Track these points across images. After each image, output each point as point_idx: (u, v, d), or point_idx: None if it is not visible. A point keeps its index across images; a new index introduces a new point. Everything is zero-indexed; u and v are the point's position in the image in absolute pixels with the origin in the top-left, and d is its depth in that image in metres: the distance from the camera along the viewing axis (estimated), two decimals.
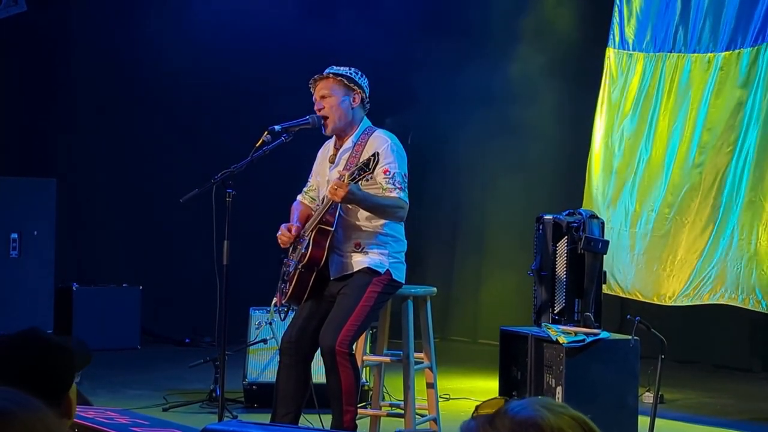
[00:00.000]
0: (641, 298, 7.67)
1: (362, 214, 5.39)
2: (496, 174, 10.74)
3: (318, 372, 5.81)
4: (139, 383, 8.13)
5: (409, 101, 10.74)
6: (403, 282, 5.55)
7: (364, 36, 10.38)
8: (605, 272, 6.41)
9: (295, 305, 5.52)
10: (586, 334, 5.97)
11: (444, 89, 10.73)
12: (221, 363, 5.79)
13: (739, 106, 7.25)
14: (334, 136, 5.61)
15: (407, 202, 5.38)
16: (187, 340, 10.34)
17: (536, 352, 6.07)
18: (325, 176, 5.57)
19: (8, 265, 9.34)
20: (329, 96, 5.47)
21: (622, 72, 8.06)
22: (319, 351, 5.35)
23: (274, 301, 5.62)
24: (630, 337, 5.96)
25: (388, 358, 5.91)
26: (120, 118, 10.55)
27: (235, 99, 10.61)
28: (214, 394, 7.03)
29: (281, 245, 5.53)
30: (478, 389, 7.85)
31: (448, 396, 7.57)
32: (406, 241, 5.56)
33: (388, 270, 5.40)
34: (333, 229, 5.35)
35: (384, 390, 6.33)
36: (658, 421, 5.84)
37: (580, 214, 6.36)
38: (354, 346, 5.33)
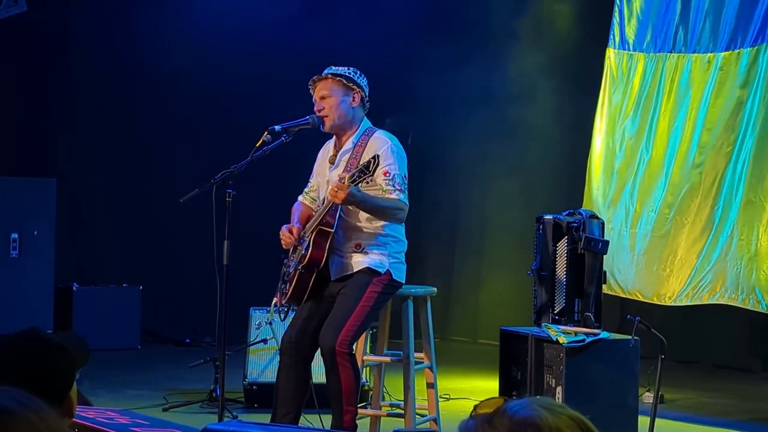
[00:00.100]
0: (641, 299, 7.67)
1: (363, 215, 5.40)
2: (497, 174, 10.75)
3: (318, 371, 5.82)
4: (139, 383, 8.13)
5: (409, 101, 10.75)
6: (403, 282, 5.55)
7: (364, 36, 10.38)
8: (605, 272, 6.41)
9: (295, 306, 5.53)
10: (586, 334, 5.97)
11: (444, 89, 10.73)
12: (221, 363, 5.79)
13: (739, 106, 7.25)
14: (334, 137, 5.61)
15: (407, 203, 5.38)
16: (187, 340, 10.34)
17: (536, 352, 6.07)
18: (325, 177, 5.57)
19: (8, 265, 9.35)
20: (329, 96, 5.47)
21: (623, 72, 8.06)
22: (319, 351, 5.36)
23: (274, 302, 5.62)
24: (630, 337, 5.97)
25: (388, 358, 5.91)
26: (120, 118, 10.55)
27: (235, 99, 10.61)
28: (214, 394, 7.03)
29: (284, 246, 5.53)
30: (478, 389, 7.85)
31: (448, 396, 7.57)
32: (406, 241, 5.56)
33: (388, 270, 5.41)
34: (333, 230, 5.35)
35: (384, 390, 6.33)
36: (658, 421, 5.84)
37: (580, 214, 6.36)
38: (354, 346, 5.34)
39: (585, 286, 6.24)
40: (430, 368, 5.91)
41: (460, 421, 1.81)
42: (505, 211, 10.65)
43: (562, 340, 5.89)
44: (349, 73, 5.53)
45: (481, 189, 11.05)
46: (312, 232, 5.37)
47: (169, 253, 10.48)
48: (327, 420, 5.64)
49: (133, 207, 10.53)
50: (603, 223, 6.40)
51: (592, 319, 6.20)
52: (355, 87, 5.49)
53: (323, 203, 5.43)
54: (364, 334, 5.78)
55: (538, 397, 1.91)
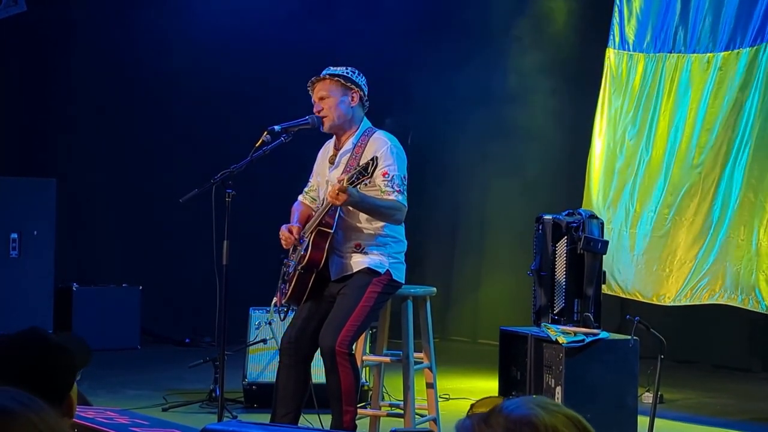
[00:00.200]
0: (641, 299, 7.68)
1: (362, 215, 5.40)
2: (496, 174, 10.75)
3: (317, 368, 5.81)
4: (139, 383, 8.14)
5: (409, 102, 10.75)
6: (403, 282, 5.56)
7: (364, 36, 10.39)
8: (605, 272, 6.41)
9: (294, 306, 5.53)
10: (586, 334, 5.97)
11: (444, 90, 10.74)
12: (221, 363, 5.79)
13: (738, 106, 7.25)
14: (334, 137, 5.62)
15: (405, 204, 5.38)
16: (187, 340, 10.35)
17: (536, 352, 6.07)
18: (324, 177, 5.57)
19: (8, 265, 9.35)
20: (328, 97, 5.48)
21: (623, 73, 8.06)
22: (318, 351, 5.36)
23: (274, 301, 5.63)
24: (629, 337, 5.97)
25: (387, 358, 5.91)
26: (120, 118, 10.55)
27: (235, 99, 10.62)
28: (213, 394, 7.04)
29: (284, 246, 5.53)
30: (478, 389, 7.85)
31: (447, 396, 7.58)
32: (406, 241, 5.56)
33: (388, 270, 5.41)
34: (332, 231, 5.36)
35: (384, 390, 6.33)
36: (657, 421, 5.84)
37: (580, 214, 6.37)
38: (354, 347, 5.34)
39: (584, 286, 6.24)
40: (430, 368, 5.91)
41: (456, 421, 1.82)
42: (505, 211, 10.65)
43: (562, 340, 5.89)
44: (347, 73, 5.53)
45: (481, 189, 11.06)
46: (311, 233, 5.37)
47: (169, 253, 10.48)
48: (326, 420, 5.64)
49: (133, 207, 10.54)
50: (602, 223, 6.41)
51: (592, 319, 6.20)
52: (353, 86, 5.49)
53: (323, 203, 5.43)
54: (363, 334, 5.78)
55: (534, 396, 1.91)
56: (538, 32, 10.23)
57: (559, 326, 6.10)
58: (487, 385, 7.61)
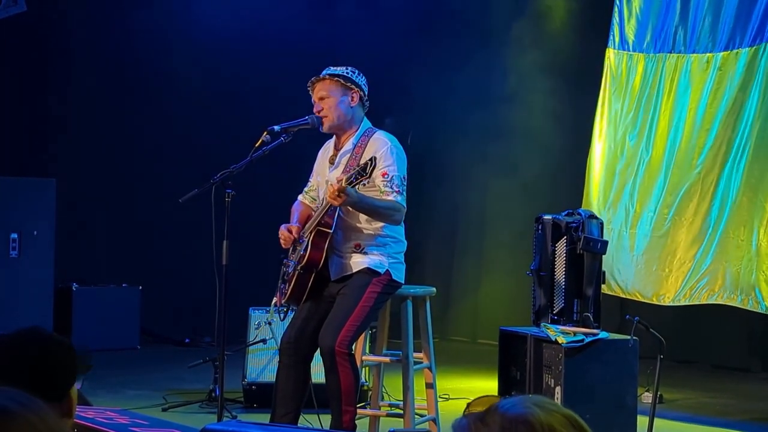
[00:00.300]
0: (641, 299, 7.68)
1: (362, 215, 5.40)
2: (496, 174, 10.75)
3: (317, 366, 5.81)
4: (139, 383, 8.14)
5: (409, 102, 10.75)
6: (403, 282, 5.56)
7: (364, 36, 10.39)
8: (604, 272, 6.41)
9: (294, 306, 5.54)
10: (585, 334, 5.97)
11: (443, 90, 10.74)
12: (220, 363, 5.80)
13: (738, 106, 7.25)
14: (334, 137, 5.62)
15: (404, 205, 5.38)
16: (186, 340, 10.35)
17: (535, 353, 6.07)
18: (324, 176, 5.58)
19: (8, 265, 9.34)
20: (327, 97, 5.48)
21: (623, 73, 8.06)
22: (318, 351, 5.36)
23: (274, 301, 5.63)
24: (629, 337, 5.97)
25: (387, 358, 5.91)
26: (119, 118, 10.55)
27: (235, 99, 10.62)
28: (213, 394, 7.04)
29: (283, 246, 5.54)
30: (478, 389, 7.85)
31: (447, 396, 7.58)
32: (405, 241, 5.56)
33: (387, 270, 5.41)
34: (331, 231, 5.36)
35: (383, 390, 6.34)
36: (657, 421, 5.84)
37: (579, 214, 6.37)
38: (353, 347, 5.34)
39: (584, 286, 6.24)
40: (429, 368, 5.91)
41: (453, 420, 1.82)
42: (504, 211, 10.65)
43: (561, 340, 5.89)
44: (347, 73, 5.53)
45: (481, 189, 11.06)
46: (311, 233, 5.38)
47: (169, 253, 10.48)
48: (326, 420, 5.64)
49: (133, 207, 10.54)
50: (602, 224, 6.41)
51: (591, 319, 6.20)
52: (353, 86, 5.49)
53: (322, 203, 5.43)
54: (363, 334, 5.79)
55: (530, 395, 1.92)
56: (538, 32, 10.23)
57: (558, 326, 6.10)
58: (487, 385, 7.61)
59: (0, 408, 1.65)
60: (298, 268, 5.35)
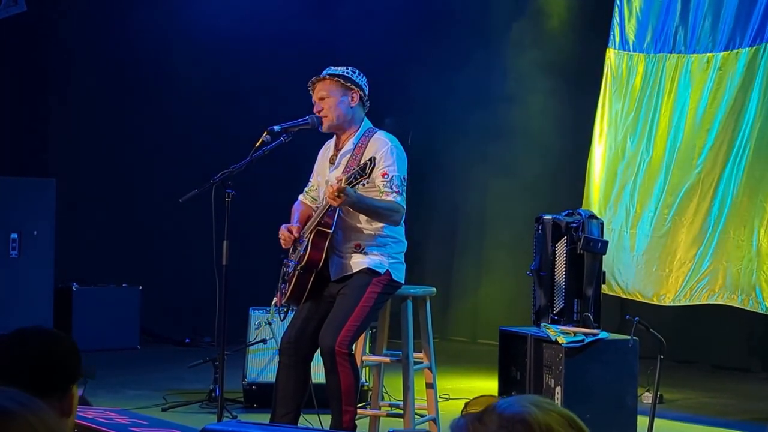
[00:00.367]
0: (642, 299, 7.67)
1: (362, 216, 5.41)
2: (496, 174, 10.75)
3: (317, 366, 5.82)
4: (139, 383, 8.14)
5: (409, 102, 10.75)
6: (403, 282, 5.56)
7: (364, 36, 10.39)
8: (604, 272, 6.41)
9: (294, 306, 5.54)
10: (585, 334, 5.97)
11: (444, 90, 10.74)
12: (220, 363, 5.80)
13: (738, 106, 7.25)
14: (334, 136, 5.62)
15: (403, 206, 5.38)
16: (186, 340, 10.35)
17: (535, 353, 6.07)
18: (325, 176, 5.58)
19: (8, 265, 9.35)
20: (327, 97, 5.48)
21: (623, 73, 8.05)
22: (318, 351, 5.36)
23: (274, 301, 5.63)
24: (629, 337, 5.97)
25: (387, 358, 5.91)
26: (119, 118, 10.55)
27: (235, 99, 10.62)
28: (213, 394, 7.04)
29: (283, 246, 5.54)
30: (478, 389, 7.84)
31: (447, 396, 7.58)
32: (406, 241, 5.56)
33: (387, 270, 5.41)
34: (331, 231, 5.36)
35: (383, 390, 6.33)
36: (657, 421, 5.84)
37: (579, 214, 6.37)
38: (353, 347, 5.34)
39: (584, 286, 6.24)
40: (430, 368, 5.91)
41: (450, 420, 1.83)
42: (505, 211, 10.65)
43: (561, 340, 5.89)
44: (348, 73, 5.53)
45: (481, 189, 11.06)
46: (310, 233, 5.38)
47: (169, 253, 10.48)
48: (326, 420, 5.64)
49: (133, 207, 10.54)
50: (602, 224, 6.40)
51: (591, 319, 6.20)
52: (353, 86, 5.49)
53: (323, 203, 5.43)
54: (363, 335, 5.79)
55: (527, 395, 1.91)
56: (538, 32, 10.23)
57: (558, 326, 6.10)
58: (487, 385, 7.61)
59: None
60: (298, 268, 5.35)
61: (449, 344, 10.68)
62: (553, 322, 6.26)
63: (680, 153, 7.57)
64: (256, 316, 7.22)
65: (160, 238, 10.52)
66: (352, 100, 5.49)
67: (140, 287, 10.07)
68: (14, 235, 9.40)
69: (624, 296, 7.82)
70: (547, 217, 6.39)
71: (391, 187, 5.32)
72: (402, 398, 5.78)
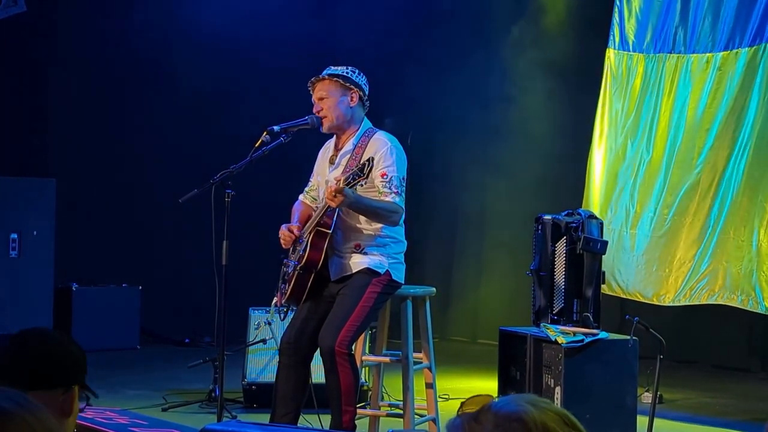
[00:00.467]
0: (642, 299, 7.67)
1: (362, 216, 5.41)
2: (496, 174, 10.74)
3: (317, 366, 5.82)
4: (139, 383, 8.14)
5: (409, 102, 10.75)
6: (403, 282, 5.56)
7: (364, 36, 10.39)
8: (604, 272, 6.41)
9: (294, 306, 5.54)
10: (585, 334, 5.97)
11: (443, 90, 10.74)
12: (220, 363, 5.80)
13: (738, 107, 7.25)
14: (334, 136, 5.62)
15: (402, 206, 5.38)
16: (186, 340, 10.35)
17: (535, 353, 6.07)
18: (324, 176, 5.58)
19: (8, 265, 9.35)
20: (327, 97, 5.48)
21: (623, 73, 8.05)
22: (318, 351, 5.37)
23: (274, 301, 5.63)
24: (629, 337, 5.97)
25: (387, 358, 5.91)
26: (120, 118, 10.55)
27: (235, 99, 10.62)
28: (213, 394, 7.04)
29: (283, 246, 5.54)
30: (477, 389, 7.84)
31: (447, 396, 7.57)
32: (405, 242, 5.57)
33: (387, 270, 5.41)
34: (331, 231, 5.36)
35: (383, 390, 6.34)
36: (656, 421, 5.84)
37: (579, 214, 6.37)
38: (353, 347, 5.34)
39: (584, 286, 6.24)
40: (429, 368, 5.91)
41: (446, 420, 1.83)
42: (504, 211, 10.64)
43: (561, 340, 5.89)
44: (347, 73, 5.53)
45: (481, 189, 11.05)
46: (310, 233, 5.38)
47: (169, 253, 10.48)
48: (326, 420, 5.64)
49: (133, 207, 10.53)
50: (602, 224, 6.40)
51: (591, 319, 6.20)
52: (352, 86, 5.49)
53: (322, 203, 5.43)
54: (363, 335, 5.79)
55: (523, 394, 1.92)
56: (538, 32, 10.22)
57: (558, 326, 6.10)
58: (487, 385, 7.60)
59: None
60: (298, 268, 5.36)
61: (449, 344, 10.68)
62: (553, 322, 6.26)
63: (680, 153, 7.57)
64: (256, 316, 7.22)
65: (160, 238, 10.52)
66: (351, 100, 5.49)
67: (140, 287, 10.07)
68: (14, 235, 9.41)
69: (624, 296, 7.82)
70: (547, 217, 6.39)
71: (390, 188, 5.32)
72: (402, 398, 5.78)
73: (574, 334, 5.97)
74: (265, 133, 5.53)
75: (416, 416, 5.78)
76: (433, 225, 11.27)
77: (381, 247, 5.43)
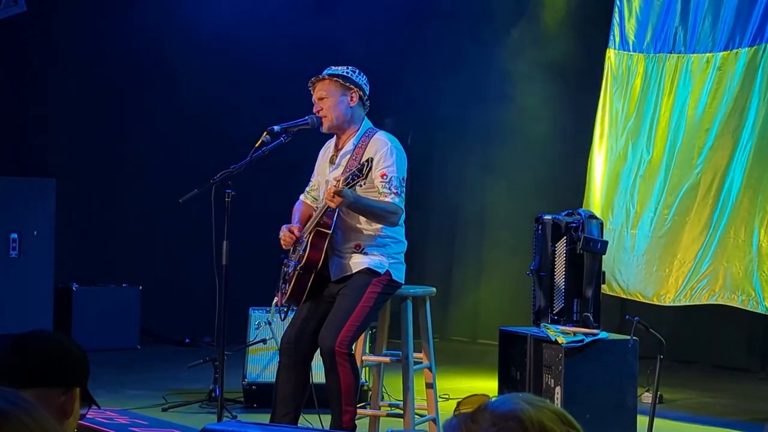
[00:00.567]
0: (642, 299, 7.67)
1: (361, 216, 5.41)
2: (496, 174, 10.75)
3: (318, 370, 5.82)
4: (139, 383, 8.14)
5: (409, 102, 10.75)
6: (403, 282, 5.56)
7: (364, 36, 10.39)
8: (604, 272, 6.41)
9: (294, 306, 5.54)
10: (585, 334, 5.97)
11: (443, 90, 10.74)
12: (220, 363, 5.80)
13: (738, 107, 7.25)
14: (335, 136, 5.62)
15: (401, 207, 5.38)
16: (186, 340, 10.35)
17: (535, 353, 6.07)
18: (325, 176, 5.58)
19: (8, 265, 9.35)
20: (327, 97, 5.48)
21: (623, 73, 8.05)
22: (318, 351, 5.37)
23: (275, 301, 5.63)
24: (629, 337, 5.97)
25: (387, 358, 5.91)
26: (120, 118, 10.55)
27: (235, 99, 10.62)
28: (213, 394, 7.04)
29: (283, 246, 5.54)
30: (478, 389, 7.84)
31: (447, 396, 7.57)
32: (406, 242, 5.57)
33: (387, 270, 5.41)
34: (330, 231, 5.36)
35: (383, 390, 6.33)
36: (657, 421, 5.84)
37: (579, 214, 6.36)
38: (353, 347, 5.34)
39: (584, 286, 6.24)
40: (429, 368, 5.91)
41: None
42: (504, 211, 10.64)
43: (561, 340, 5.89)
44: (347, 73, 5.53)
45: (481, 189, 11.05)
46: (310, 233, 5.38)
47: (169, 253, 10.48)
48: (326, 420, 5.64)
49: (133, 207, 10.53)
50: (602, 224, 6.40)
51: (591, 319, 6.20)
52: (352, 86, 5.49)
53: (322, 204, 5.43)
54: (363, 335, 5.79)
55: (519, 393, 1.92)
56: (538, 32, 10.22)
57: (558, 326, 6.10)
58: (487, 385, 7.60)
59: None
60: (298, 268, 5.36)
61: (449, 344, 10.67)
62: (553, 322, 6.26)
63: (680, 153, 7.57)
64: (256, 316, 7.22)
65: (161, 238, 10.52)
66: (351, 100, 5.49)
67: (140, 287, 10.07)
68: (14, 235, 9.41)
69: (625, 296, 7.82)
70: (547, 217, 6.39)
71: (389, 188, 5.32)
72: (402, 398, 5.78)
73: (574, 334, 5.97)
74: (265, 133, 5.54)
75: (416, 416, 5.78)
76: (433, 225, 11.27)
77: (381, 247, 5.43)
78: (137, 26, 10.47)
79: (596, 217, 6.42)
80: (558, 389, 5.87)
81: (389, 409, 6.19)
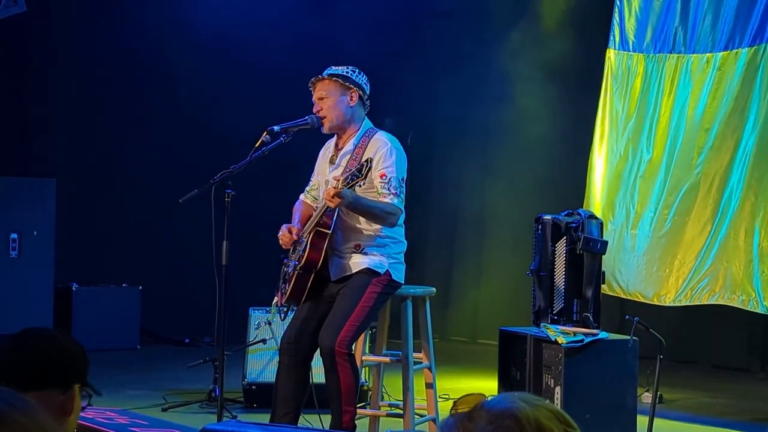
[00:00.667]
0: (643, 300, 7.67)
1: (361, 216, 5.41)
2: (496, 174, 10.75)
3: (317, 367, 5.82)
4: (139, 383, 8.14)
5: (409, 102, 10.75)
6: (403, 282, 5.56)
7: (364, 36, 10.38)
8: (604, 272, 6.41)
9: (294, 306, 5.54)
10: (585, 334, 5.97)
11: (443, 90, 10.74)
12: (220, 363, 5.80)
13: (738, 107, 7.25)
14: (335, 136, 5.62)
15: (401, 207, 5.38)
16: (186, 340, 10.35)
17: (535, 353, 6.07)
18: (325, 176, 5.58)
19: (8, 265, 9.35)
20: (327, 97, 5.48)
21: (623, 73, 8.05)
22: (318, 351, 5.37)
23: (275, 301, 5.63)
24: (629, 337, 5.97)
25: (387, 358, 5.91)
26: (120, 118, 10.55)
27: (235, 99, 10.62)
28: (213, 394, 7.04)
29: (283, 246, 5.54)
30: (477, 389, 7.82)
31: (447, 396, 7.57)
32: (405, 242, 5.57)
33: (387, 270, 5.41)
34: (330, 231, 5.36)
35: (383, 390, 6.33)
36: (657, 421, 5.84)
37: (579, 214, 6.36)
38: (353, 346, 5.34)
39: (584, 286, 6.23)
40: (429, 368, 5.91)
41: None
42: (504, 211, 10.65)
43: (561, 340, 5.89)
44: (347, 72, 5.53)
45: (481, 189, 11.06)
46: (309, 233, 5.38)
47: (169, 253, 10.48)
48: (326, 420, 5.64)
49: (134, 207, 10.54)
50: (601, 224, 6.40)
51: (591, 319, 6.20)
52: (352, 86, 5.49)
53: (322, 204, 5.43)
54: (363, 335, 5.79)
55: (516, 392, 1.93)
56: (538, 32, 10.22)
57: (558, 326, 6.10)
58: (487, 385, 7.60)
59: None
60: (298, 268, 5.36)
61: (449, 344, 10.68)
62: (553, 322, 6.26)
63: (680, 153, 7.57)
64: (256, 316, 7.22)
65: (160, 238, 10.52)
66: (351, 100, 5.49)
67: (140, 287, 10.07)
68: (14, 235, 9.41)
69: (625, 297, 7.82)
70: (547, 217, 6.39)
71: (388, 189, 5.32)
72: (402, 398, 5.78)
73: (574, 334, 5.97)
74: (265, 133, 5.53)
75: (416, 416, 5.78)
76: (433, 225, 11.27)
77: (381, 247, 5.43)
78: (137, 26, 10.47)
79: (596, 218, 6.41)
80: (558, 389, 5.87)
81: (389, 409, 6.19)
